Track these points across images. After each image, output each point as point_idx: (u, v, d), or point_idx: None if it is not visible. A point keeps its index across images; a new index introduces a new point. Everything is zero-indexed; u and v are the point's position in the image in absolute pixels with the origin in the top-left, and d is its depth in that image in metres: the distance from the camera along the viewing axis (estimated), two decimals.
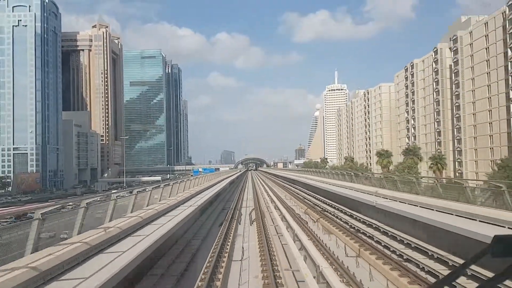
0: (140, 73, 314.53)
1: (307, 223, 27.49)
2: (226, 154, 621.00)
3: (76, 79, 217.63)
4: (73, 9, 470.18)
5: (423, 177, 38.76)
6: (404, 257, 16.42)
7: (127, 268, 10.22)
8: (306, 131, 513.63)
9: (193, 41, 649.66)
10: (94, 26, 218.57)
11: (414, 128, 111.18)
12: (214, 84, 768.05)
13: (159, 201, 22.24)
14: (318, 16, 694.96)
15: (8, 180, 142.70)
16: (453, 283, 1.16)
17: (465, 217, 14.90)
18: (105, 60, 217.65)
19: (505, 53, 76.55)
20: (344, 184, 35.71)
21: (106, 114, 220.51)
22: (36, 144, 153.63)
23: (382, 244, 18.95)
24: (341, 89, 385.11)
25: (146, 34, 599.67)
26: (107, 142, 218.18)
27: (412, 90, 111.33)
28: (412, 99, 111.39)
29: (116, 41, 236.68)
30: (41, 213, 9.75)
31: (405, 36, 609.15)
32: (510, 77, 75.38)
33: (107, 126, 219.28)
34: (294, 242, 17.17)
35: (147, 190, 21.02)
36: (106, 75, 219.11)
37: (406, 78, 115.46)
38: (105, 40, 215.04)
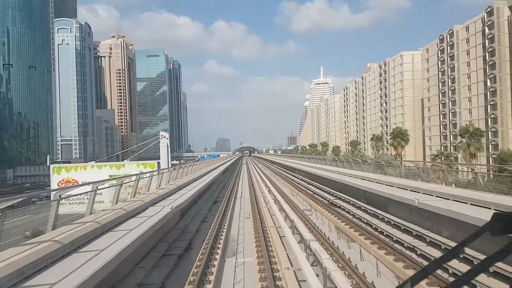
0: (145, 69, 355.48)
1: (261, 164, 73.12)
2: (222, 141, 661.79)
3: (98, 80, 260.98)
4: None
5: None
6: None
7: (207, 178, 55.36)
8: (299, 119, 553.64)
9: (191, 29, 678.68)
10: (113, 36, 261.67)
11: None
12: (211, 72, 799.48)
13: (199, 169, 66.21)
14: (315, 5, 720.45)
15: (56, 163, 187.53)
16: (451, 262, 3.50)
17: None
18: (122, 64, 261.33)
19: None
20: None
21: (124, 109, 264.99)
22: (78, 136, 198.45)
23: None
24: (326, 83, 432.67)
25: (145, 23, 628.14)
26: (126, 133, 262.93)
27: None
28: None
29: (130, 47, 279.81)
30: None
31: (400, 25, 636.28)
32: None
33: (125, 120, 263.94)
34: (251, 165, 62.80)
35: (190, 165, 65.66)
36: (123, 76, 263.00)
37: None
38: (122, 49, 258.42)
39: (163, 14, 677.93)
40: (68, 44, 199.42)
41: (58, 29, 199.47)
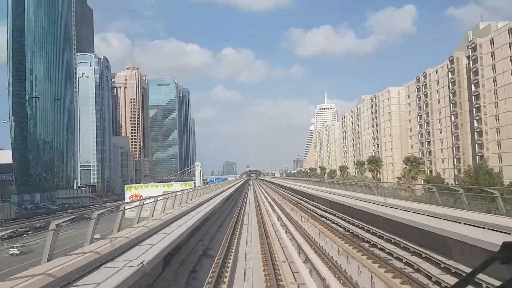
0: (156, 97, 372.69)
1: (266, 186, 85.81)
2: (228, 164, 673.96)
3: (113, 108, 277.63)
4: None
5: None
6: None
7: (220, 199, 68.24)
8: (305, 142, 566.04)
9: (200, 56, 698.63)
10: (128, 68, 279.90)
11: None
12: (218, 96, 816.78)
13: (211, 191, 79.05)
14: (321, 31, 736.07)
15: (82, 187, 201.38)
16: None
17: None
18: (136, 93, 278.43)
19: None
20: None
21: (137, 136, 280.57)
22: (96, 162, 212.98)
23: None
24: (330, 108, 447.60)
25: (155, 50, 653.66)
26: (139, 158, 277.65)
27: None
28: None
29: (144, 78, 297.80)
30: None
31: (404, 49, 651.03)
32: None
33: (138, 145, 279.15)
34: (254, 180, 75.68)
35: (206, 186, 78.62)
36: (137, 105, 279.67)
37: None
38: (136, 80, 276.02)
39: (172, 42, 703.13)
40: (88, 76, 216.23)
41: (78, 63, 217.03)
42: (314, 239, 26.64)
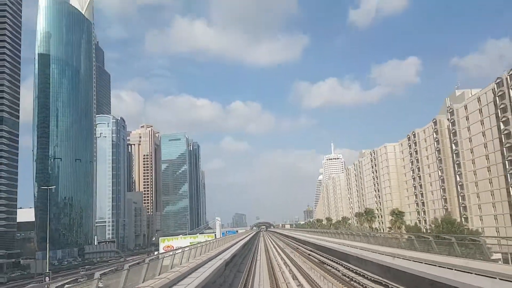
0: (167, 152, 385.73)
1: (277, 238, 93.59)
2: (238, 216, 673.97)
3: (128, 164, 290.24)
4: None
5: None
6: None
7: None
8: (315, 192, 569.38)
9: (210, 110, 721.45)
10: (142, 126, 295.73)
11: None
12: (227, 148, 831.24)
13: (224, 243, 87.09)
14: (327, 83, 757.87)
15: (102, 243, 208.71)
16: None
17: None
18: (150, 149, 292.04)
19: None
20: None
21: (150, 190, 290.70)
22: (112, 217, 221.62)
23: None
24: (337, 158, 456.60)
25: (167, 105, 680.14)
26: (151, 212, 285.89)
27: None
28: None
29: (157, 135, 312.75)
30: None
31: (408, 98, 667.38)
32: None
33: (151, 200, 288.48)
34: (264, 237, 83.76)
35: (221, 239, 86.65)
36: (150, 161, 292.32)
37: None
38: (150, 137, 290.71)
39: (183, 97, 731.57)
40: (105, 136, 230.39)
41: (97, 124, 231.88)
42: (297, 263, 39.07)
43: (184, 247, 29.74)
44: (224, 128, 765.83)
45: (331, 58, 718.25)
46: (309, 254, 57.41)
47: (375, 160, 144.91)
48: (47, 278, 54.87)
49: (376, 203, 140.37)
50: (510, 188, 76.36)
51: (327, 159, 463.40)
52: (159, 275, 18.10)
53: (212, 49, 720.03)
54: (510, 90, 75.53)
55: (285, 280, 34.63)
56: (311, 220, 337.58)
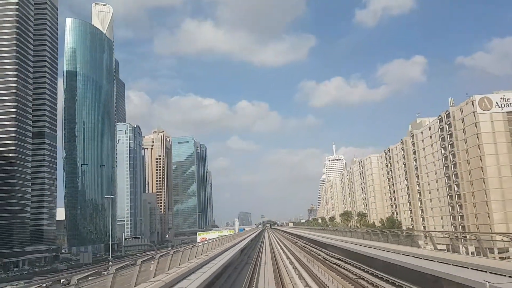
0: (177, 154, 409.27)
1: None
2: (243, 215, 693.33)
3: (141, 167, 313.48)
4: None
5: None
6: None
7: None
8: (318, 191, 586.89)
9: (216, 110, 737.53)
10: (154, 131, 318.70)
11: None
12: (233, 147, 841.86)
13: (239, 237, 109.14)
14: (333, 83, 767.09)
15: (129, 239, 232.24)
16: None
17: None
18: (162, 153, 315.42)
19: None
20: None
21: (162, 191, 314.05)
22: (130, 216, 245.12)
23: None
24: (339, 159, 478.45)
25: (174, 105, 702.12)
26: (163, 212, 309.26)
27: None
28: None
29: (168, 139, 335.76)
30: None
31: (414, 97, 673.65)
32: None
33: (163, 200, 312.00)
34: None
35: (234, 235, 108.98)
36: (162, 163, 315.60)
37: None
38: (162, 141, 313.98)
39: (190, 97, 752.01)
40: (123, 143, 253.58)
41: (116, 131, 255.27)
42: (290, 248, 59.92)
43: (213, 238, 52.26)
44: (230, 127, 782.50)
45: (337, 58, 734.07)
46: (300, 244, 79.32)
47: (362, 168, 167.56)
48: (110, 262, 76.81)
49: (364, 204, 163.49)
50: (448, 196, 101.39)
51: (329, 160, 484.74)
52: (201, 255, 31.65)
53: (219, 50, 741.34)
54: (446, 125, 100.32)
55: (281, 257, 56.70)
56: (310, 219, 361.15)
